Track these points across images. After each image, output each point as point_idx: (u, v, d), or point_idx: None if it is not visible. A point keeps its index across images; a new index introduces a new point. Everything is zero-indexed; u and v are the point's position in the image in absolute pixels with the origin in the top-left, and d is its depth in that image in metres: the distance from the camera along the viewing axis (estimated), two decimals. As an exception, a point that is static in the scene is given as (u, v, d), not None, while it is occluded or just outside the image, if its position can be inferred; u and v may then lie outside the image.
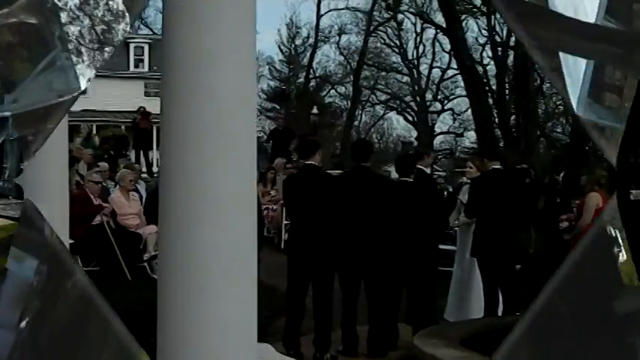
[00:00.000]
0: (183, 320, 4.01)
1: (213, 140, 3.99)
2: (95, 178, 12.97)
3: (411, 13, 33.30)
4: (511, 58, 50.22)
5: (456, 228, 11.29)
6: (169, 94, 4.14)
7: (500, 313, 9.57)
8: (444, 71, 63.57)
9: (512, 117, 40.74)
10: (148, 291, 12.16)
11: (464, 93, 61.90)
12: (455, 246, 13.57)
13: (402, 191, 9.06)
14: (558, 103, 57.16)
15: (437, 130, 62.96)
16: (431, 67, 63.99)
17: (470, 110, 63.39)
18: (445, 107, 60.13)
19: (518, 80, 27.09)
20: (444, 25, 31.66)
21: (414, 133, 66.54)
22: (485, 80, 32.14)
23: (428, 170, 10.54)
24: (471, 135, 66.18)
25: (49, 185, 6.66)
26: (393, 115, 68.83)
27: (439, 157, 56.58)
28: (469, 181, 11.74)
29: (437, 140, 63.38)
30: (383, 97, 65.34)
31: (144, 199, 13.94)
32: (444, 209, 10.28)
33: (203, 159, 4.02)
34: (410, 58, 63.39)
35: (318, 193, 8.59)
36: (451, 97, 61.51)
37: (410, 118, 66.41)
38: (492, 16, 41.89)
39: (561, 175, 16.21)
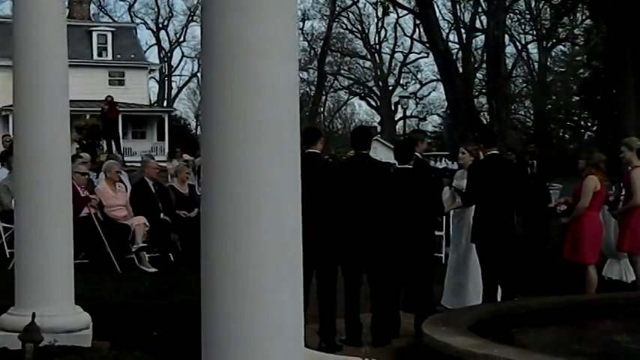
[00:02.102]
0: (230, 325, 3.92)
1: (257, 138, 3.90)
2: (81, 169, 12.76)
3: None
4: (474, 42, 50.62)
5: (451, 212, 11.23)
6: (210, 89, 4.03)
7: (499, 299, 9.57)
8: (405, 55, 63.88)
9: (476, 100, 40.93)
10: (139, 283, 12.09)
11: (426, 77, 62.48)
12: (441, 232, 13.58)
13: (402, 179, 8.98)
14: (523, 86, 57.73)
15: (399, 114, 63.23)
16: (393, 52, 64.26)
17: (431, 94, 64.02)
18: (409, 92, 60.20)
19: (491, 63, 27.12)
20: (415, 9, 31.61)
21: (377, 118, 66.75)
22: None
23: (420, 156, 10.46)
24: (434, 119, 66.63)
25: (53, 182, 6.48)
26: (355, 100, 69.01)
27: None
28: (458, 166, 11.71)
29: (399, 125, 63.69)
30: (346, 83, 65.41)
31: (129, 190, 13.75)
32: (440, 195, 10.20)
33: (247, 159, 3.93)
34: (372, 43, 63.55)
35: (320, 181, 8.48)
36: (424, 82, 61.85)
37: (373, 103, 66.57)
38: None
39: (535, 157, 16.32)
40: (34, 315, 5.58)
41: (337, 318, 8.77)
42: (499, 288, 9.61)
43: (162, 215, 13.17)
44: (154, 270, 12.45)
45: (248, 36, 3.89)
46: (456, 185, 10.65)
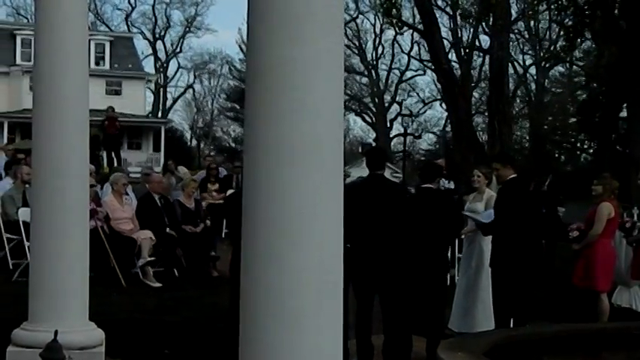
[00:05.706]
0: (269, 351, 3.82)
1: (301, 161, 3.82)
2: (90, 181, 12.61)
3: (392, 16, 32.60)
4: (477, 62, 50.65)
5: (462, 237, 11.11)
6: (255, 111, 3.95)
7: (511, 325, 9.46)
8: (402, 72, 63.89)
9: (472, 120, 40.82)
10: (145, 298, 11.99)
11: (428, 96, 62.53)
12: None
13: (425, 197, 8.91)
14: (522, 106, 57.73)
15: (394, 131, 63.24)
16: (390, 69, 64.25)
17: (426, 112, 64.04)
18: (403, 109, 60.11)
19: (493, 84, 27.07)
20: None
21: (373, 135, 66.71)
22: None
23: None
24: (429, 137, 66.64)
25: (70, 194, 6.38)
26: (351, 116, 69.01)
27: (396, 159, 56.81)
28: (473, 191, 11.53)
29: (393, 142, 63.73)
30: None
31: (134, 203, 13.62)
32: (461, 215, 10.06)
33: (291, 182, 3.85)
34: (369, 59, 63.56)
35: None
36: (426, 100, 61.87)
37: (368, 119, 66.55)
38: (458, 18, 41.98)
39: (547, 182, 16.20)
40: (56, 332, 5.47)
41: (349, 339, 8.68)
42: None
43: (167, 230, 13.07)
44: (158, 285, 12.33)
45: (295, 58, 3.81)
46: (469, 209, 10.53)
